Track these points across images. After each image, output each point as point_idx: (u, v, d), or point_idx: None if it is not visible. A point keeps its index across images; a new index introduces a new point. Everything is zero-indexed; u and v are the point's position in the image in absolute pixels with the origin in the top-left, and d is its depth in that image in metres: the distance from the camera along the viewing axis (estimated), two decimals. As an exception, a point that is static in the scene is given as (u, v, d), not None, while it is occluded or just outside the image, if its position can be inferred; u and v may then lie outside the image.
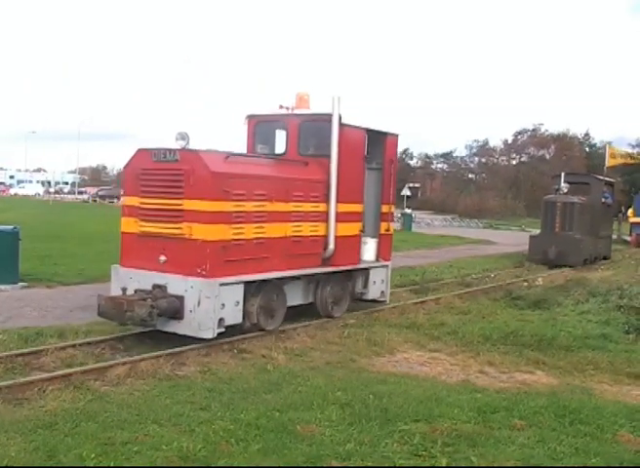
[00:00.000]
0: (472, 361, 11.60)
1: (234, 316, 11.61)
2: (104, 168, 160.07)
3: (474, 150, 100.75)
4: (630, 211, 44.39)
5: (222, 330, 11.36)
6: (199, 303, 11.06)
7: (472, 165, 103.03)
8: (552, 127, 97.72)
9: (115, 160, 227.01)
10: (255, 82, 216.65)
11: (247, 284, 11.85)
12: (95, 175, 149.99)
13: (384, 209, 15.20)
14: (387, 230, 15.38)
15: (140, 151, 12.09)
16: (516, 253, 32.83)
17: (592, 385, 10.43)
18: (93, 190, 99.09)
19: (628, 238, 43.38)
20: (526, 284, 21.18)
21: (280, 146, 14.55)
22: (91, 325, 12.62)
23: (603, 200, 30.79)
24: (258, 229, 12.05)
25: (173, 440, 7.22)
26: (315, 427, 7.79)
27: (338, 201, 13.44)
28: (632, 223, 43.46)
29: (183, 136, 11.36)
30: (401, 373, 10.62)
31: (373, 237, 14.96)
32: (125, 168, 12.59)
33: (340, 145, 13.30)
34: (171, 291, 11.35)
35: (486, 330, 13.57)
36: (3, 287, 16.14)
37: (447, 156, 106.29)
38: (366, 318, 14.43)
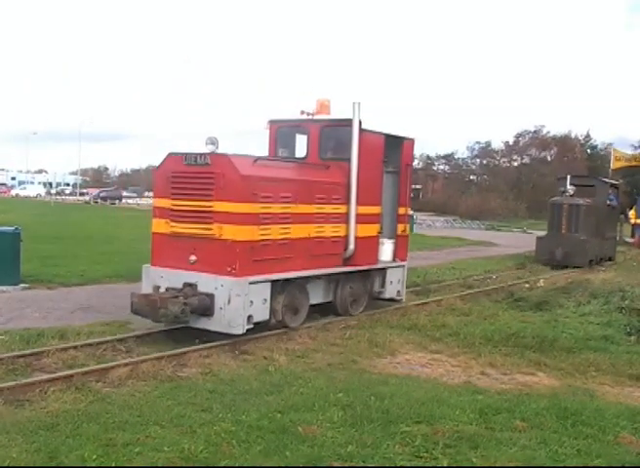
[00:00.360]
0: (474, 362, 11.59)
1: (262, 313, 12.09)
2: (106, 169, 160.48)
3: (476, 152, 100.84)
4: (632, 212, 44.40)
5: (251, 326, 11.83)
6: (229, 301, 11.54)
7: (474, 166, 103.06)
8: (554, 128, 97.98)
9: (117, 161, 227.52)
10: (255, 82, 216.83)
11: (273, 282, 12.29)
12: (96, 177, 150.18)
13: (401, 211, 15.69)
14: (404, 231, 15.87)
15: (170, 155, 12.57)
16: (518, 254, 32.82)
17: (594, 387, 10.42)
18: (94, 191, 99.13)
19: (629, 239, 43.35)
20: (527, 285, 21.16)
21: (300, 150, 15.08)
22: (92, 326, 12.65)
23: (608, 202, 31.08)
24: (283, 230, 12.53)
25: (174, 441, 7.22)
26: (317, 428, 7.79)
27: (358, 203, 13.91)
28: (634, 225, 43.50)
29: (213, 141, 11.82)
30: (402, 375, 10.61)
31: (390, 238, 15.43)
32: (156, 171, 13.01)
33: (360, 150, 13.74)
34: (201, 289, 11.79)
35: (487, 331, 13.56)
36: (4, 288, 16.15)
37: (448, 157, 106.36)
38: (367, 319, 14.43)
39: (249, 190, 11.77)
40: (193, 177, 12.03)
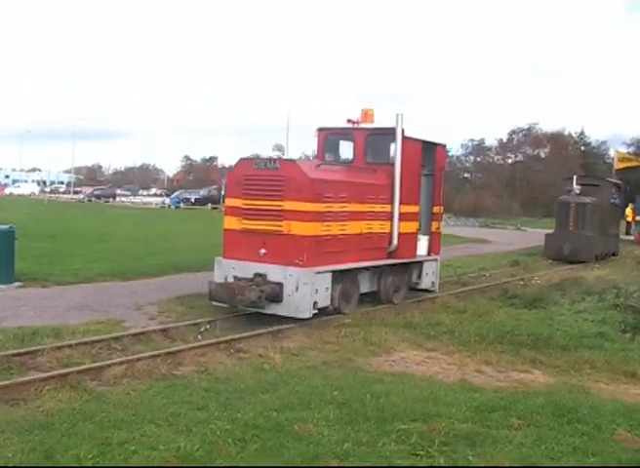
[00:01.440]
0: (469, 360, 11.59)
1: (324, 300, 13.64)
2: (100, 167, 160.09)
3: (469, 149, 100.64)
4: (628, 210, 44.64)
5: (316, 311, 13.36)
6: (297, 289, 13.11)
7: (468, 164, 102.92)
8: (547, 126, 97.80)
9: (111, 159, 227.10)
10: (255, 82, 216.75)
11: (333, 273, 13.83)
12: (90, 175, 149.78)
13: (435, 210, 17.40)
14: (437, 228, 17.57)
15: (242, 161, 14.61)
16: (512, 251, 32.85)
17: (589, 384, 10.43)
18: (88, 190, 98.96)
19: (625, 237, 43.45)
20: (522, 283, 21.19)
21: (344, 155, 16.92)
22: (87, 324, 12.62)
23: (612, 201, 32.49)
24: (341, 226, 14.21)
25: (170, 440, 7.21)
26: (312, 427, 7.78)
27: (400, 203, 15.46)
28: (630, 222, 43.90)
29: (280, 148, 13.85)
30: (398, 373, 10.61)
31: (425, 234, 17.13)
32: (228, 175, 15.11)
33: (403, 155, 15.30)
34: (271, 278, 13.36)
35: (482, 329, 13.56)
36: (-1, 286, 16.11)
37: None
38: (362, 317, 14.42)
39: (315, 191, 13.39)
40: (264, 180, 13.63)
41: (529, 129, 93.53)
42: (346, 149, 16.81)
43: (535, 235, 44.84)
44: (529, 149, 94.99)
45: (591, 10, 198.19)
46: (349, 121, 16.09)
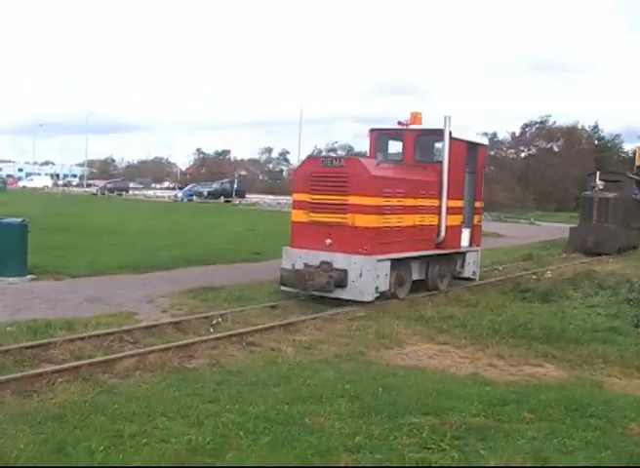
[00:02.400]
0: (481, 354, 11.55)
1: (384, 285, 15.03)
2: (113, 160, 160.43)
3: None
4: None
5: (378, 295, 14.85)
6: (361, 275, 14.49)
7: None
8: (560, 119, 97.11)
9: (124, 152, 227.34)
10: (267, 75, 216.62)
11: (391, 261, 15.16)
12: (103, 168, 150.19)
13: (477, 204, 18.76)
14: (478, 222, 19.05)
15: (308, 159, 17.06)
16: (525, 245, 32.74)
17: (602, 378, 10.36)
18: (101, 183, 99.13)
19: None
20: (535, 277, 21.10)
21: (393, 154, 18.28)
22: (99, 317, 12.64)
23: (633, 196, 33.64)
24: (397, 219, 15.59)
25: (181, 432, 7.22)
26: (324, 420, 7.77)
27: (447, 198, 16.69)
28: None
29: (344, 148, 16.74)
30: (410, 366, 10.59)
31: (468, 227, 18.38)
32: (295, 172, 16.89)
33: (449, 154, 16.54)
34: (336, 266, 14.73)
35: (495, 322, 13.51)
36: (12, 279, 16.18)
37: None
38: (374, 310, 14.42)
39: (376, 187, 14.79)
40: (329, 177, 15.06)
41: (542, 122, 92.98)
42: (396, 148, 18.32)
43: (548, 229, 44.77)
44: (542, 143, 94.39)
45: (605, 3, 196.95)
46: (399, 123, 17.45)
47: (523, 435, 7.60)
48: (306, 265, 15.02)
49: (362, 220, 14.66)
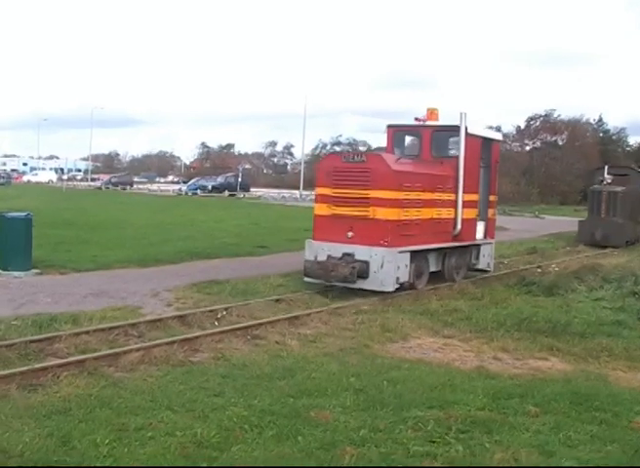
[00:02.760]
0: (486, 347, 11.54)
1: (404, 276, 15.52)
2: (117, 155, 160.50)
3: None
4: None
5: (398, 285, 15.31)
6: (382, 266, 14.95)
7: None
8: (565, 112, 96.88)
9: (128, 147, 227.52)
10: (271, 69, 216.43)
11: (410, 252, 15.65)
12: (107, 162, 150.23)
13: (491, 198, 19.32)
14: (493, 215, 19.65)
15: (330, 154, 19.66)
16: (530, 239, 32.68)
17: (607, 372, 10.34)
18: (106, 177, 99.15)
19: None
20: (539, 270, 21.07)
21: (409, 149, 18.95)
22: (104, 311, 12.64)
23: None
24: (416, 212, 16.07)
25: (186, 426, 7.23)
26: (329, 413, 7.78)
27: (463, 192, 17.12)
28: None
29: (365, 144, 17.24)
30: (415, 359, 10.58)
31: (482, 220, 18.90)
32: (318, 166, 17.37)
33: (465, 150, 16.95)
34: (358, 257, 15.18)
35: (499, 316, 13.51)
36: (16, 273, 16.20)
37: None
38: (379, 304, 14.43)
39: (397, 181, 15.27)
40: (351, 171, 15.54)
41: (547, 116, 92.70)
42: (412, 144, 19.05)
43: (553, 222, 44.74)
44: (547, 136, 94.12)
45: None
46: (417, 119, 17.82)
47: (528, 428, 7.59)
48: (329, 257, 15.47)
49: (383, 213, 15.17)
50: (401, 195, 15.39)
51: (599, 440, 7.36)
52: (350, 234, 15.40)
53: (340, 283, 15.17)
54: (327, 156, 16.81)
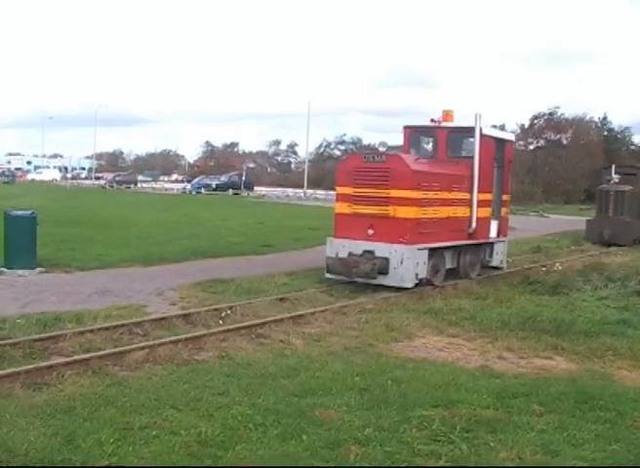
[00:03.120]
0: (490, 346, 11.52)
1: (423, 272, 16.06)
2: (121, 153, 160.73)
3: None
4: None
5: (417, 281, 15.87)
6: (402, 262, 15.53)
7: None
8: (569, 111, 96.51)
9: (132, 145, 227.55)
10: (274, 68, 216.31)
11: (428, 250, 16.17)
12: (112, 161, 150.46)
13: (504, 197, 19.80)
14: (506, 214, 20.15)
15: (351, 155, 18.76)
16: (534, 238, 32.63)
17: (612, 371, 10.31)
18: (110, 176, 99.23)
19: None
20: (544, 269, 21.04)
21: (424, 150, 19.46)
22: (109, 310, 12.65)
23: None
24: (434, 211, 16.62)
25: (191, 425, 7.23)
26: (334, 412, 7.78)
27: (478, 191, 17.57)
28: None
29: (384, 144, 16.35)
30: (419, 359, 10.57)
31: (496, 219, 19.32)
32: (339, 167, 17.72)
33: (480, 150, 17.36)
34: (378, 254, 15.72)
35: (504, 315, 13.49)
36: (21, 272, 16.22)
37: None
38: (384, 303, 14.41)
39: (416, 181, 15.82)
40: (372, 171, 16.06)
41: (550, 114, 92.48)
42: (428, 145, 19.66)
43: (557, 221, 44.69)
44: (551, 135, 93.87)
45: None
46: (432, 120, 18.28)
47: (533, 427, 7.58)
48: (350, 254, 15.97)
49: (403, 212, 15.74)
50: (420, 194, 15.92)
51: (604, 439, 7.34)
52: (371, 232, 15.96)
53: (362, 279, 15.69)
54: (348, 156, 18.34)
